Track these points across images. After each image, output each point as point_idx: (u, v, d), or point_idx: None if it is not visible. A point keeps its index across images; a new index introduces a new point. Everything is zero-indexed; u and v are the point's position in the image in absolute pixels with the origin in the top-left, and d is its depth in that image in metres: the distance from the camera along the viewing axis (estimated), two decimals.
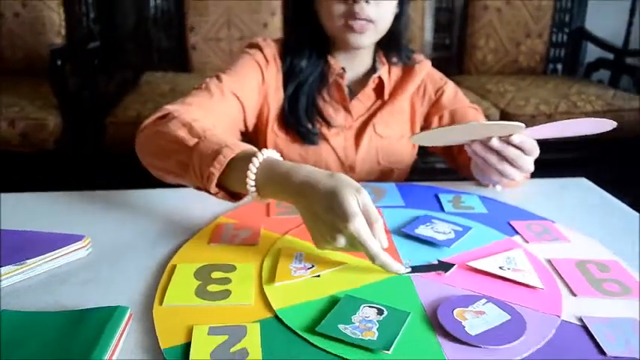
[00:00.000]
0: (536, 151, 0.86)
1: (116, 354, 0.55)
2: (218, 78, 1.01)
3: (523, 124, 0.82)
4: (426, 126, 1.17)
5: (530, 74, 2.69)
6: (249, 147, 0.74)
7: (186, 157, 0.76)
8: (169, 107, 0.88)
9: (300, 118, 1.06)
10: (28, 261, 0.70)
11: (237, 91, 1.01)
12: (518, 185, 1.01)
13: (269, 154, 0.72)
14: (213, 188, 0.74)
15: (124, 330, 0.58)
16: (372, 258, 0.66)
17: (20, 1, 2.40)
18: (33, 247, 0.72)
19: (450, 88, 1.16)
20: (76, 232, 0.77)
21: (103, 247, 0.77)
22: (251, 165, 0.70)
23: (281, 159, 0.73)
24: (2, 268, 0.68)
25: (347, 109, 1.10)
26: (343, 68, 1.07)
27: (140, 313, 0.62)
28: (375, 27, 1.00)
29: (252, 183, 0.70)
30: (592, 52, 2.76)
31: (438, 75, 1.17)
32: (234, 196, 0.78)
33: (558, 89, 2.37)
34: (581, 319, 0.62)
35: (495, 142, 0.84)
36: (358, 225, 0.63)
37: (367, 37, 1.01)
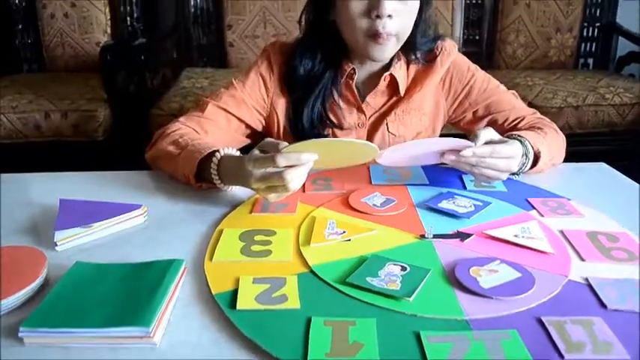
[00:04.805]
0: (501, 149, 0.88)
1: (174, 297, 0.64)
2: (218, 97, 1.09)
3: (377, 149, 0.83)
4: (459, 121, 1.18)
5: (560, 69, 2.69)
6: (215, 148, 0.92)
7: (174, 165, 0.97)
8: (170, 126, 1.06)
9: (309, 122, 1.07)
10: (94, 224, 0.80)
11: (233, 110, 1.08)
12: (543, 171, 1.03)
13: (225, 152, 0.91)
14: (195, 184, 0.94)
15: (180, 278, 0.67)
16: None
17: (69, 2, 2.56)
18: (97, 214, 0.82)
19: (479, 79, 1.14)
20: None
21: (158, 216, 0.87)
22: (212, 163, 0.90)
23: (236, 154, 0.92)
24: (71, 230, 0.78)
25: (360, 109, 1.11)
26: (354, 68, 1.07)
27: (192, 268, 0.72)
28: (397, 39, 1.00)
29: (216, 175, 0.90)
30: (623, 46, 2.75)
31: (465, 65, 1.15)
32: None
33: (587, 82, 2.39)
34: (586, 279, 0.68)
35: (449, 157, 0.89)
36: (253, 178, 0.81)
37: (390, 50, 1.02)
